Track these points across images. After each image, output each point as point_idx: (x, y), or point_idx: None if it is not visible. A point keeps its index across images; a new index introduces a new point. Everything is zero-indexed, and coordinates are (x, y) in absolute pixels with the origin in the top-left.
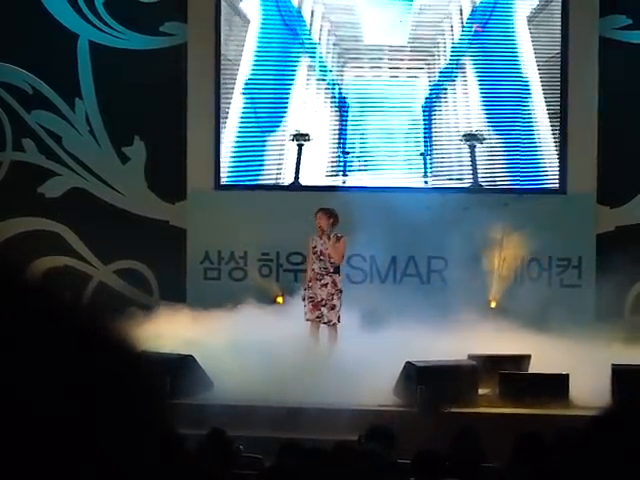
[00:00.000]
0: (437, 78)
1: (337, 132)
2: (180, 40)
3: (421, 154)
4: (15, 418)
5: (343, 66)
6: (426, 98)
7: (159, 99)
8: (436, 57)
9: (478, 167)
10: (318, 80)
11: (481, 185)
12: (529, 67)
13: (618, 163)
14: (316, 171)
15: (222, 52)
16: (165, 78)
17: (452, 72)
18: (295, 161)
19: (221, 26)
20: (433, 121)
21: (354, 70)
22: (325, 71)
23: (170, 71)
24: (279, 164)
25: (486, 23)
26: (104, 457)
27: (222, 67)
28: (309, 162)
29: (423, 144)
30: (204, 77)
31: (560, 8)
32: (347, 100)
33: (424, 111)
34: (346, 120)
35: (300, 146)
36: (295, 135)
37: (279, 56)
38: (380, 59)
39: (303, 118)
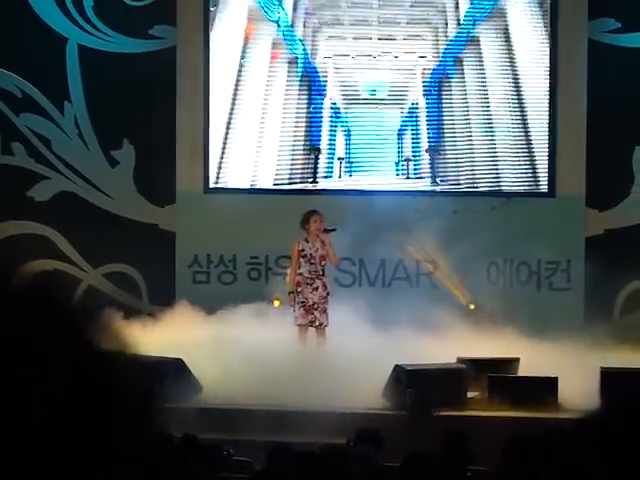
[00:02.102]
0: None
1: (326, 134)
2: (169, 43)
3: (409, 158)
4: (4, 420)
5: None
6: (425, 88)
7: (148, 102)
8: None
9: (467, 170)
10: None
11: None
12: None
13: (607, 166)
14: (303, 174)
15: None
16: (154, 81)
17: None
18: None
19: (210, 29)
20: (420, 122)
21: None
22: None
23: (159, 74)
24: (268, 167)
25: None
26: (93, 460)
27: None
28: (297, 164)
29: (413, 145)
30: (193, 80)
31: (549, 11)
32: (325, 91)
33: (412, 111)
34: (334, 122)
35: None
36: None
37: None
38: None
39: (289, 118)
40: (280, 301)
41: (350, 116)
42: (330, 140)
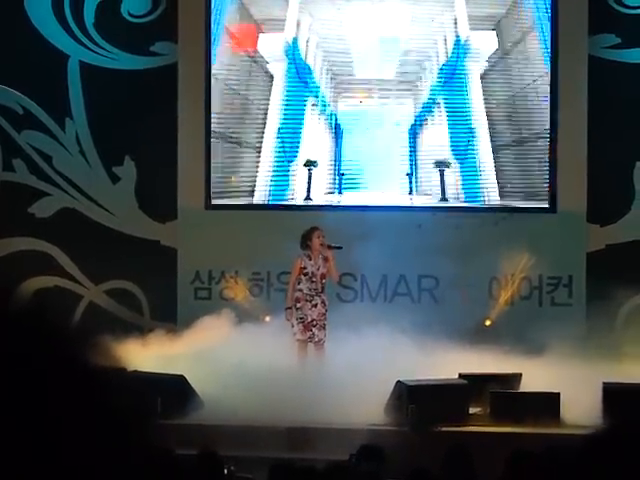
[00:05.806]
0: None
1: (328, 152)
2: (170, 60)
3: (408, 174)
4: (4, 434)
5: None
6: (416, 116)
7: (149, 119)
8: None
9: (469, 186)
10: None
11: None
12: (518, 85)
13: (608, 181)
14: (307, 190)
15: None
16: (155, 98)
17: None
18: (305, 184)
19: (211, 46)
20: (424, 139)
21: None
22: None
23: (160, 91)
24: (269, 184)
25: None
26: (94, 477)
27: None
28: (299, 182)
29: (412, 163)
30: (194, 97)
31: (550, 26)
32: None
33: (413, 131)
34: (339, 141)
35: (310, 171)
36: (306, 162)
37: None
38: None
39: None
40: (269, 316)
41: (356, 141)
42: (341, 163)
